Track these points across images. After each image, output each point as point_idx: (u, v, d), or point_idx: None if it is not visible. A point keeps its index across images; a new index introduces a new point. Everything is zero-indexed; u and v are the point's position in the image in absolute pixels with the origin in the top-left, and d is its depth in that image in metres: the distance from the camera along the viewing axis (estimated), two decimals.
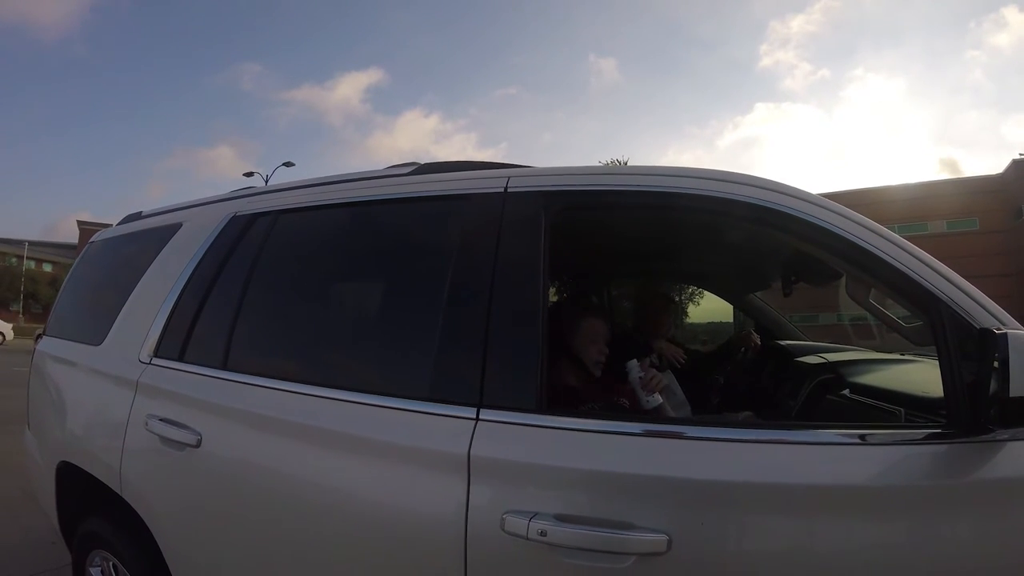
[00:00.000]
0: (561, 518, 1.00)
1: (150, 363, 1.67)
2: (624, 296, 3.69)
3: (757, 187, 1.21)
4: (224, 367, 1.51)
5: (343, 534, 1.20)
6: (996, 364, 0.96)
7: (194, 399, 1.51)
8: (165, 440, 1.49)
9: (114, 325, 1.86)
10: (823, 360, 2.17)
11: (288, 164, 24.15)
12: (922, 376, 1.78)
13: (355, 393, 1.27)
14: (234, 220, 1.74)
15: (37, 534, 3.03)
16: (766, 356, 2.60)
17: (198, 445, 1.42)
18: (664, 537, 0.96)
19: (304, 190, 1.70)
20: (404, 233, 1.49)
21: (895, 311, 2.07)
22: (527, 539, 0.99)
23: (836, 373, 2.00)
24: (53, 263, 52.79)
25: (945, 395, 1.05)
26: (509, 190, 1.32)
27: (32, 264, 50.31)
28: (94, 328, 1.94)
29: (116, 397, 1.69)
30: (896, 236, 1.17)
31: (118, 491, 1.61)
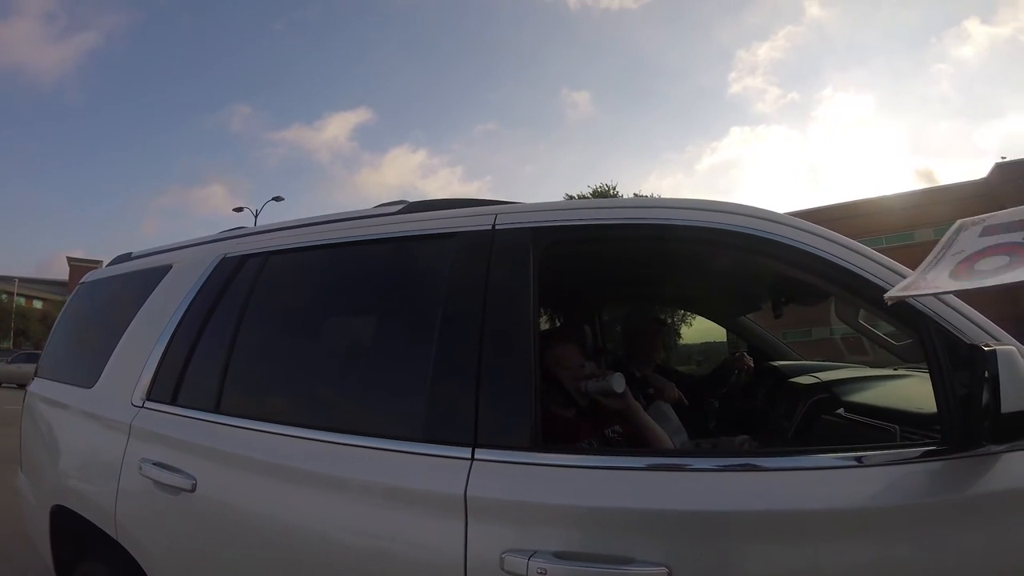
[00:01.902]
0: (560, 555, 1.00)
1: (143, 406, 1.66)
2: (616, 323, 3.71)
3: (739, 215, 1.23)
4: (217, 410, 1.50)
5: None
6: (987, 379, 0.97)
7: (188, 443, 1.50)
8: (159, 484, 1.48)
9: (106, 368, 1.85)
10: (816, 380, 2.16)
11: (277, 199, 23.96)
12: (915, 391, 1.78)
13: (349, 436, 1.26)
14: (224, 261, 1.75)
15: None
16: (760, 377, 2.60)
17: (193, 490, 1.41)
18: (664, 570, 0.97)
19: (293, 231, 1.70)
20: (394, 273, 1.50)
21: (883, 328, 2.08)
22: None
23: (830, 392, 2.00)
24: (44, 300, 52.28)
25: (938, 411, 1.06)
26: (497, 227, 1.33)
27: (22, 301, 49.78)
28: (86, 370, 1.93)
29: (109, 441, 1.68)
30: (879, 255, 1.19)
31: (113, 535, 1.60)
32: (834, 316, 2.38)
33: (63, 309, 2.55)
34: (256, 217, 22.97)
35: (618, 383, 1.58)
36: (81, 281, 2.51)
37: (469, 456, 1.12)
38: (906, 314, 1.12)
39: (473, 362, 1.19)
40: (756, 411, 2.43)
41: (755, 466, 1.07)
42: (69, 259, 55.21)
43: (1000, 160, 29.25)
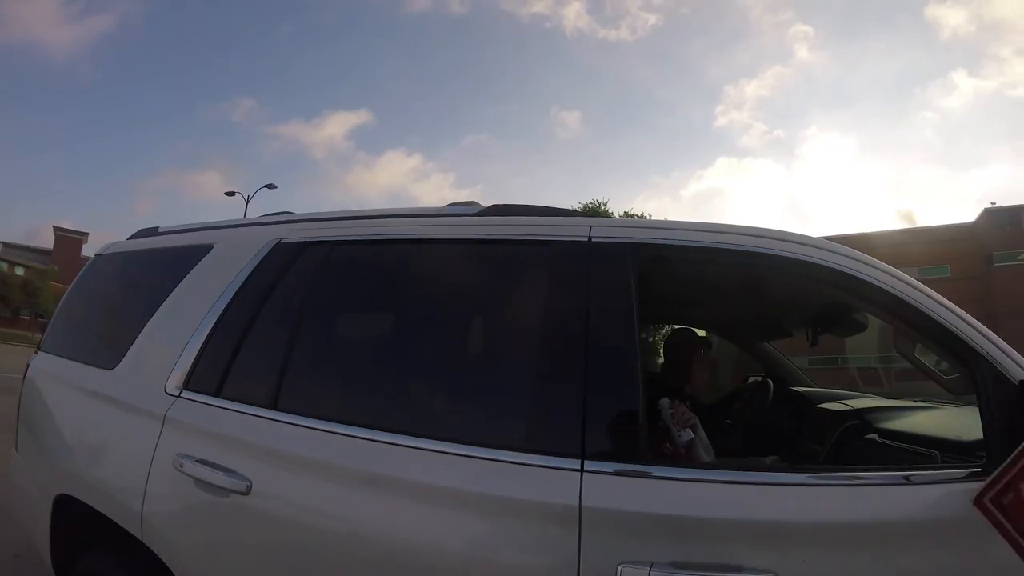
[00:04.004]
0: (676, 566, 1.03)
1: (179, 396, 1.54)
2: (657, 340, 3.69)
3: (837, 253, 1.30)
4: (275, 407, 1.41)
5: None
6: None
7: (242, 441, 1.39)
8: (204, 484, 1.37)
9: (131, 349, 1.71)
10: (848, 407, 2.21)
11: (270, 186, 23.45)
12: (949, 421, 1.85)
13: (438, 442, 1.22)
14: (279, 247, 1.65)
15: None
16: (782, 402, 2.61)
17: (247, 492, 1.31)
18: None
19: (358, 222, 1.64)
20: (480, 275, 1.46)
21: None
22: None
23: (861, 419, 2.03)
24: (26, 267, 50.74)
25: (985, 437, 1.17)
26: (594, 239, 1.34)
27: (4, 266, 48.38)
28: (104, 350, 1.80)
29: (136, 430, 1.54)
30: (945, 299, 1.28)
31: (138, 536, 1.47)
32: (848, 347, 2.49)
33: (76, 281, 2.34)
34: (247, 203, 22.63)
35: (683, 438, 1.72)
36: (98, 253, 2.31)
37: (579, 467, 1.12)
38: (962, 352, 1.23)
39: (579, 373, 1.19)
40: (777, 434, 2.43)
41: (823, 482, 1.17)
42: (56, 228, 53.87)
43: (989, 206, 30.03)
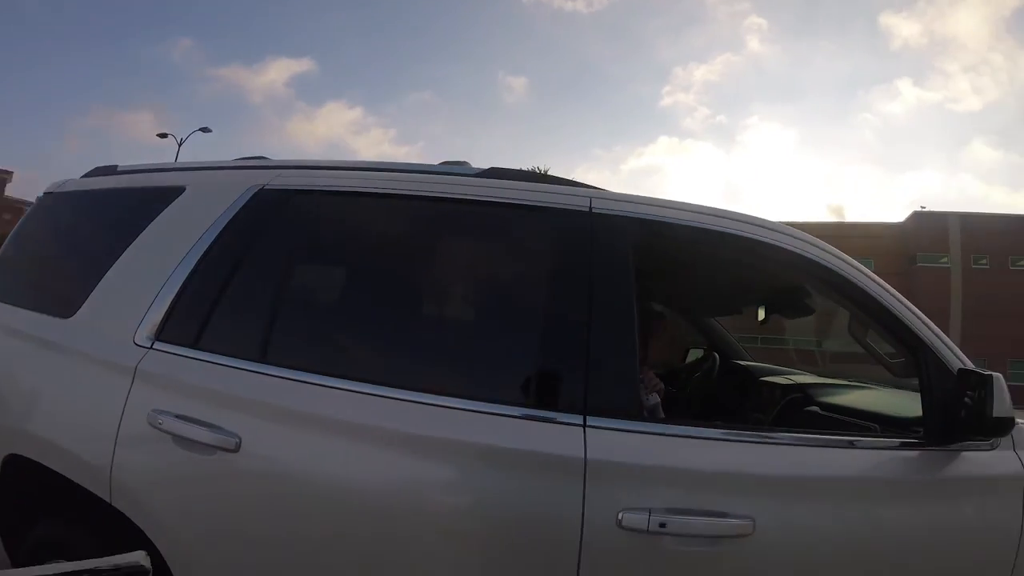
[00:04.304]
0: (672, 511, 1.15)
1: (151, 348, 1.44)
2: None
3: (826, 251, 1.45)
4: (263, 360, 1.36)
5: (431, 543, 1.20)
6: (975, 395, 1.28)
7: (229, 395, 1.33)
8: (184, 441, 1.30)
9: (91, 296, 1.58)
10: (791, 380, 2.40)
11: (205, 130, 21.60)
12: (886, 400, 2.06)
13: (441, 397, 1.25)
14: (261, 193, 1.55)
15: None
16: (727, 374, 2.78)
17: (236, 449, 1.26)
18: (750, 521, 1.17)
19: (347, 172, 1.60)
20: (483, 236, 1.48)
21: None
22: (647, 532, 1.13)
23: (804, 392, 2.21)
24: None
25: (923, 415, 1.38)
26: (594, 211, 1.39)
27: None
28: (57, 297, 1.66)
29: (102, 384, 1.44)
30: (902, 296, 1.46)
31: (106, 498, 1.36)
32: (788, 327, 2.78)
33: (21, 221, 2.13)
34: (180, 146, 21.30)
35: (650, 401, 1.82)
36: (46, 191, 2.11)
37: (581, 423, 1.20)
38: (909, 339, 1.42)
39: (583, 336, 1.26)
40: (721, 404, 2.59)
41: (798, 442, 1.36)
42: None
43: (919, 209, 32.02)
